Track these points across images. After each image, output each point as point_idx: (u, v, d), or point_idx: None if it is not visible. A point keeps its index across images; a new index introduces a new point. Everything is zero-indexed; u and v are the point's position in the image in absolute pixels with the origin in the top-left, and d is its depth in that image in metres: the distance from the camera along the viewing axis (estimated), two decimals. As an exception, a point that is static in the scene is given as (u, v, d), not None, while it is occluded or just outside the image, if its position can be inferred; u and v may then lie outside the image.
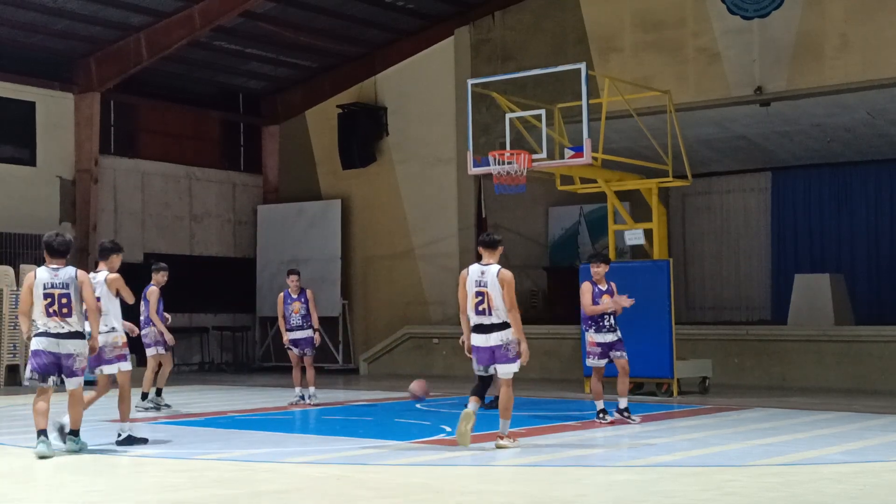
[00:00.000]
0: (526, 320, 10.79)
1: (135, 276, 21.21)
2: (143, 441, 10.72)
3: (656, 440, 11.03)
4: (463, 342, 10.52)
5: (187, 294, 21.92)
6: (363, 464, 9.50)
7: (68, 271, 9.88)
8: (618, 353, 12.42)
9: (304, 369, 15.16)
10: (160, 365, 14.37)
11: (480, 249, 10.45)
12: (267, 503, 7.77)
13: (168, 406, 14.43)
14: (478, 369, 10.27)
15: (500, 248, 10.40)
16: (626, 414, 12.28)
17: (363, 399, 16.45)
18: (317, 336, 15.15)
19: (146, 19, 21.22)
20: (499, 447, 10.09)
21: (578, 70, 15.31)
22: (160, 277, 14.39)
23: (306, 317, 15.00)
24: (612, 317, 12.44)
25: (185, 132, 24.85)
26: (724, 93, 19.72)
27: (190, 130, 24.96)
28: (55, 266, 9.90)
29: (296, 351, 15.03)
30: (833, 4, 18.77)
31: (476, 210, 22.95)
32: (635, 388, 15.03)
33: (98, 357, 10.38)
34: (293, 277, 15.13)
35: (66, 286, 9.81)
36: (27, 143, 21.72)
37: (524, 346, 10.12)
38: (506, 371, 10.16)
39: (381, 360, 22.76)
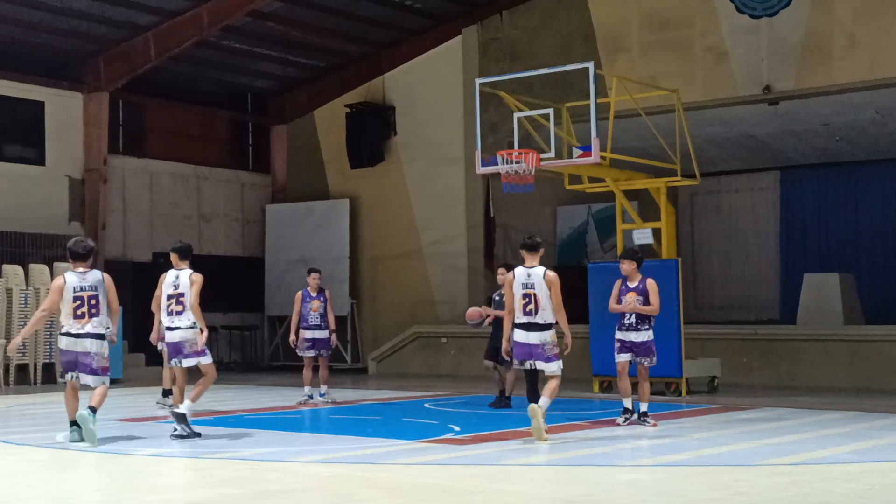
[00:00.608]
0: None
1: (143, 276, 21.50)
2: (197, 435, 10.96)
3: (665, 440, 11.02)
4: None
5: (196, 293, 21.96)
6: (372, 463, 9.51)
7: (95, 274, 10.66)
8: (638, 359, 12.16)
9: (315, 368, 15.15)
10: None
11: (523, 252, 10.99)
12: (275, 503, 7.78)
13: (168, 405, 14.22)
14: (516, 363, 11.07)
15: (542, 251, 10.99)
16: (643, 418, 12.06)
17: (372, 398, 16.46)
18: (333, 337, 15.16)
19: (154, 19, 21.26)
20: (535, 409, 10.39)
21: (586, 69, 15.29)
22: None
23: (324, 316, 15.00)
24: (633, 316, 12.12)
25: (193, 132, 24.90)
26: (732, 92, 19.70)
27: (198, 130, 25.01)
28: (82, 270, 10.64)
29: (309, 353, 14.99)
30: (841, 4, 18.74)
31: (484, 209, 22.96)
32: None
33: (177, 350, 11.11)
34: (314, 275, 15.12)
35: (95, 288, 10.59)
36: (36, 143, 21.78)
37: (568, 340, 10.79)
38: (551, 368, 10.78)
39: (389, 360, 22.78)
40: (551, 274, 10.76)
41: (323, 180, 25.15)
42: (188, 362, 11.19)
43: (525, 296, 10.71)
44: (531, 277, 10.73)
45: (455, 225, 23.18)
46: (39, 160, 21.78)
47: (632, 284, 12.24)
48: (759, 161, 23.70)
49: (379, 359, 22.91)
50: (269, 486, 8.39)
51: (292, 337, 15.00)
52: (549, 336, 10.70)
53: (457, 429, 11.85)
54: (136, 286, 20.96)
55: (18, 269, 19.72)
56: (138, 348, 20.85)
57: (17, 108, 21.46)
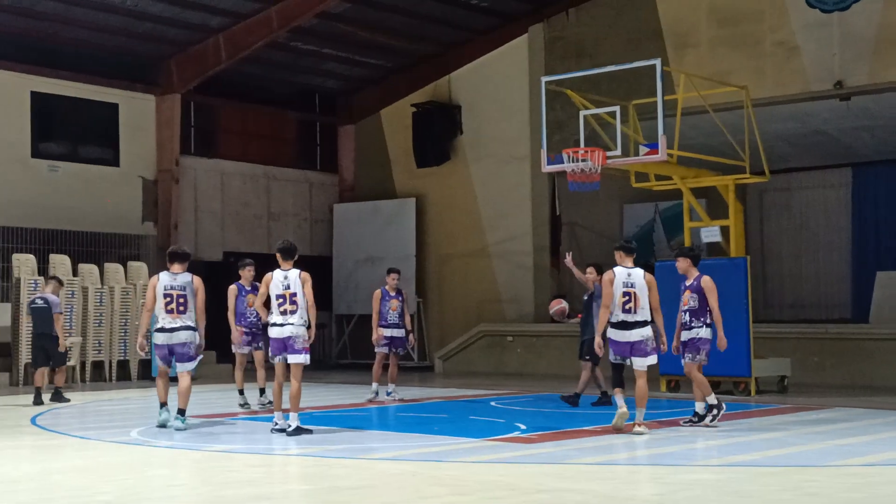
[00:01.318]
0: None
1: (214, 274, 21.79)
2: (308, 432, 11.13)
3: (734, 439, 10.94)
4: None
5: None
6: (438, 460, 9.57)
7: (185, 276, 11.81)
8: (689, 354, 12.00)
9: (385, 366, 15.25)
10: (249, 362, 14.41)
11: (621, 254, 11.53)
12: (344, 498, 7.88)
13: (266, 403, 14.01)
14: (614, 358, 11.40)
15: (635, 254, 11.54)
16: (695, 419, 11.91)
17: (438, 396, 16.55)
18: (411, 337, 15.31)
19: (225, 21, 21.57)
20: (636, 433, 11.00)
21: (653, 66, 15.19)
22: (247, 273, 14.25)
23: (402, 315, 15.12)
24: (687, 314, 12.00)
25: (262, 132, 25.21)
26: (802, 87, 19.47)
27: (267, 130, 25.32)
28: (176, 272, 11.80)
29: (384, 350, 15.10)
30: (915, -4, 18.43)
31: (550, 207, 22.93)
32: (712, 387, 14.80)
33: (283, 346, 11.27)
34: (393, 276, 15.27)
35: (183, 289, 11.75)
36: (111, 144, 22.22)
37: (664, 339, 11.41)
38: (641, 364, 11.26)
39: (455, 358, 22.84)
40: (650, 276, 11.39)
41: (390, 179, 25.30)
42: (294, 358, 11.25)
43: (626, 294, 11.22)
44: (631, 277, 11.28)
45: (521, 223, 23.19)
46: (114, 161, 22.21)
47: (687, 283, 12.19)
48: (831, 157, 23.35)
49: (445, 357, 22.99)
50: (339, 483, 8.50)
51: (375, 335, 15.07)
52: (648, 332, 11.21)
53: (523, 427, 11.88)
54: (207, 285, 21.18)
55: (94, 267, 20.16)
56: (209, 346, 21.08)
57: (92, 110, 21.90)
